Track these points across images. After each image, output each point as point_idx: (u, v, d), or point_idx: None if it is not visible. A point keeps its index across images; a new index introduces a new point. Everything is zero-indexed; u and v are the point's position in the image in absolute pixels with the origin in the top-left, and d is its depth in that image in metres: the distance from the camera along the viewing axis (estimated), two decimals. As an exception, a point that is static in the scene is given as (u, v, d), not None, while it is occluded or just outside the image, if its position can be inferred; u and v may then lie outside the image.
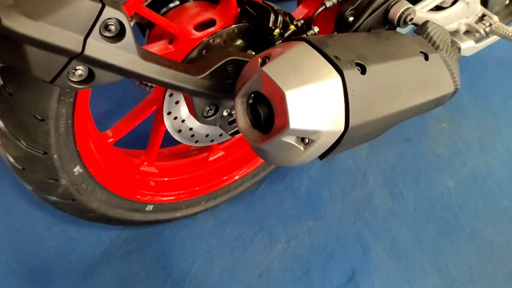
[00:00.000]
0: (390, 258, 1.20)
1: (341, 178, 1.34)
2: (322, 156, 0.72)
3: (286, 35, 0.88)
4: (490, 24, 1.03)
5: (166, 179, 1.14)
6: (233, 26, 0.90)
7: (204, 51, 0.89)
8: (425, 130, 1.48)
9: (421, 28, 0.89)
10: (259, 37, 0.90)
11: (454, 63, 0.89)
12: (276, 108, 0.64)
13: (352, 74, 0.67)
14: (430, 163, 1.40)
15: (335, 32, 0.92)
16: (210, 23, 0.93)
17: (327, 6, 0.90)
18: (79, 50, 0.58)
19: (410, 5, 0.87)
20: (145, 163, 1.10)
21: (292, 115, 0.62)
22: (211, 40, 0.89)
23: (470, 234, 1.26)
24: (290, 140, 0.66)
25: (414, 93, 0.79)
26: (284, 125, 0.63)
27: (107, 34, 0.60)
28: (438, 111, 1.50)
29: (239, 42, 0.92)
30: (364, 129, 0.70)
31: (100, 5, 0.56)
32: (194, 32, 0.90)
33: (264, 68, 0.63)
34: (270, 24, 0.86)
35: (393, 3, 0.88)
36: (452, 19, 1.01)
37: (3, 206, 1.18)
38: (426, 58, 0.82)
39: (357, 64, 0.69)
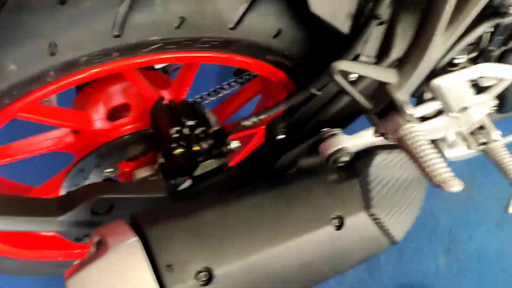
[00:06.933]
0: None
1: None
2: None
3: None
4: (485, 143, 0.78)
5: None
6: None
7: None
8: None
9: (362, 167, 0.70)
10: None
11: (402, 212, 0.71)
12: None
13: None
14: (427, 230, 1.21)
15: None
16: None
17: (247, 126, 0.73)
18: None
19: (344, 146, 0.67)
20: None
21: None
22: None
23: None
24: None
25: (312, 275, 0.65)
26: None
27: None
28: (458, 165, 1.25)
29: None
30: None
31: None
32: (100, 125, 0.79)
33: (68, 282, 0.54)
34: (171, 138, 0.74)
35: (326, 135, 0.68)
36: (433, 132, 0.77)
37: None
38: (341, 224, 0.65)
39: (207, 270, 0.57)
